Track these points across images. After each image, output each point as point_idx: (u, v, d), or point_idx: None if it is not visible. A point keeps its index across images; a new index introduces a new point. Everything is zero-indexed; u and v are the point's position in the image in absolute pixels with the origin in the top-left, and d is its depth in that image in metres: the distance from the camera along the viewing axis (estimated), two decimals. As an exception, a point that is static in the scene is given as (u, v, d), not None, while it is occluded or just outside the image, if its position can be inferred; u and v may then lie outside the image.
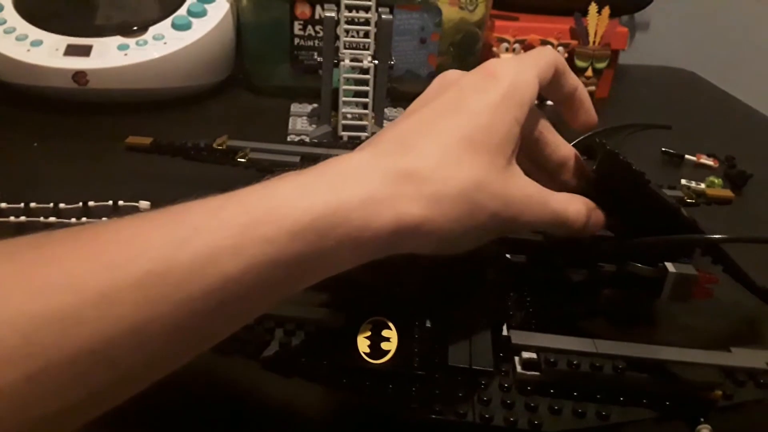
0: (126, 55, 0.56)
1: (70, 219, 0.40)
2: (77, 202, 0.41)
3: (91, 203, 0.42)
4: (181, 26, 0.58)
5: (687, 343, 0.27)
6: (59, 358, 0.17)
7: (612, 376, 0.25)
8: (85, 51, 0.56)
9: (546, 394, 0.25)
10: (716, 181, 0.52)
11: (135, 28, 0.58)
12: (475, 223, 0.24)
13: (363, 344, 0.25)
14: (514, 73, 0.26)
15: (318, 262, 0.21)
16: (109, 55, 0.55)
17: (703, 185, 0.51)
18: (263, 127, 0.57)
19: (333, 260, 0.21)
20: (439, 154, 0.23)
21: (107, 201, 0.42)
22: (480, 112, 0.25)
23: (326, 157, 0.44)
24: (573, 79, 0.30)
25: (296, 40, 0.62)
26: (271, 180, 0.22)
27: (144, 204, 0.42)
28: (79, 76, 0.55)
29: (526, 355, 0.26)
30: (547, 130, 0.29)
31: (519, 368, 0.26)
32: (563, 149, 0.30)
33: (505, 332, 0.27)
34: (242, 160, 0.43)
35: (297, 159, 0.43)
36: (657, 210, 0.32)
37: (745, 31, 0.92)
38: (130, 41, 0.57)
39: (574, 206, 0.28)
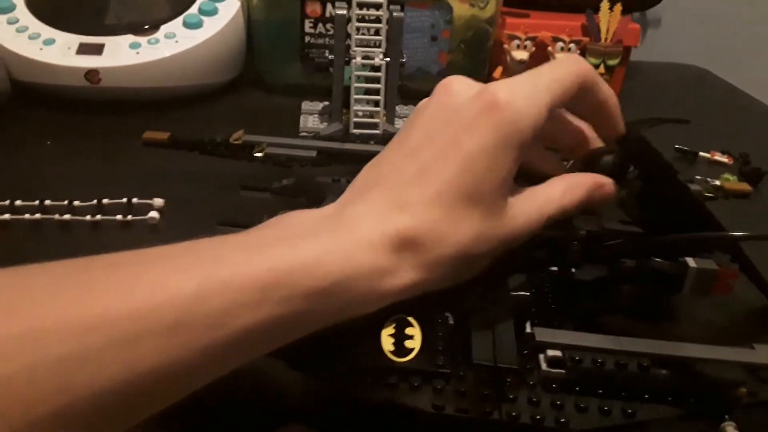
0: (138, 53, 0.56)
1: (84, 216, 0.40)
2: (92, 200, 0.42)
3: (105, 200, 0.42)
4: (192, 24, 0.58)
5: (709, 340, 0.27)
6: (85, 396, 0.18)
7: (637, 373, 0.25)
8: (98, 50, 0.56)
9: (571, 392, 0.25)
10: (731, 178, 0.52)
11: (146, 26, 0.58)
12: (469, 269, 0.25)
13: (387, 342, 0.25)
14: (519, 106, 0.24)
15: (322, 318, 0.23)
16: (121, 53, 0.56)
17: (717, 182, 0.51)
18: (274, 125, 0.57)
19: (335, 316, 0.23)
20: (436, 214, 0.24)
21: (122, 198, 0.42)
22: (476, 157, 0.24)
23: (341, 152, 0.44)
24: (603, 92, 0.28)
25: (307, 38, 0.62)
26: (289, 226, 0.24)
27: (158, 201, 0.42)
28: (91, 74, 0.55)
29: (551, 352, 0.25)
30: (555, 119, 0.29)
31: (544, 366, 0.25)
32: (578, 131, 0.30)
33: (528, 329, 0.27)
34: (259, 154, 0.43)
35: (313, 153, 0.43)
36: (680, 202, 0.32)
37: (757, 27, 0.91)
38: (142, 40, 0.57)
39: (569, 197, 0.28)
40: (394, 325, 0.25)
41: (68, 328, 0.18)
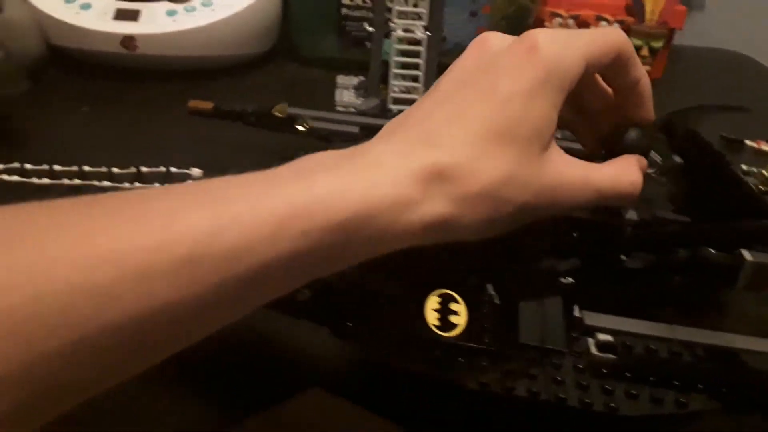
0: (174, 21, 0.55)
1: (123, 183, 0.40)
2: (130, 167, 0.41)
3: (144, 169, 0.41)
4: (229, -8, 0.58)
5: (763, 335, 0.26)
6: (94, 330, 0.17)
7: (691, 363, 0.24)
8: (134, 15, 0.55)
9: (621, 378, 0.24)
10: (777, 167, 0.50)
11: (185, -7, 0.57)
12: (500, 215, 0.24)
13: (432, 316, 0.24)
14: (558, 50, 0.24)
15: (343, 254, 0.22)
16: (158, 20, 0.55)
17: (765, 172, 0.49)
18: (309, 98, 0.57)
19: (357, 253, 0.22)
20: (467, 150, 0.23)
21: (160, 167, 0.42)
22: (512, 99, 0.23)
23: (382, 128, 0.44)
24: (637, 71, 0.27)
25: (344, 10, 0.61)
26: (308, 165, 0.23)
27: (196, 171, 0.42)
28: (127, 41, 0.54)
29: (601, 337, 0.25)
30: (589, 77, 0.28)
31: (594, 350, 0.25)
32: (606, 96, 0.29)
33: (576, 313, 0.26)
34: (302, 128, 0.42)
35: (356, 129, 0.43)
36: (733, 196, 0.31)
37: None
38: (179, 7, 0.56)
39: (627, 177, 0.26)
40: (439, 300, 0.25)
41: (76, 260, 0.17)
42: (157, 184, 0.40)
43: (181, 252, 0.18)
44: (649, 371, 0.24)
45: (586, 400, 0.23)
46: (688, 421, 0.24)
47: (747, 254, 0.29)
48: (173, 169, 0.42)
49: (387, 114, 0.51)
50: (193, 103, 0.44)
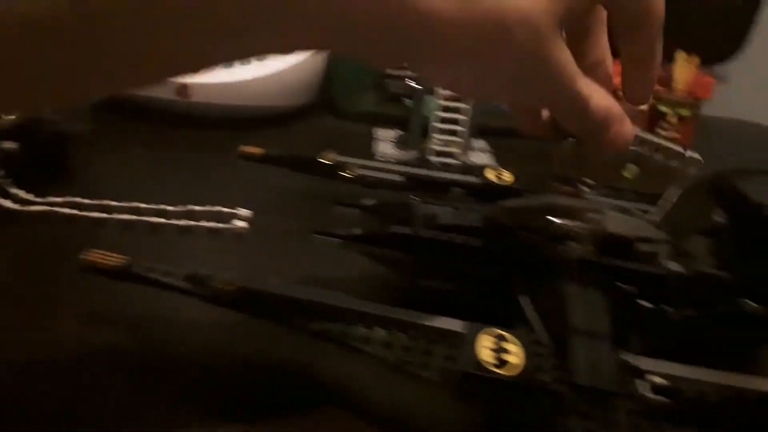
0: (228, 72, 0.58)
1: (175, 220, 0.42)
2: (185, 205, 0.43)
3: (195, 207, 0.43)
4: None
5: None
6: None
7: (745, 409, 0.24)
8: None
9: (675, 422, 0.24)
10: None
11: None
12: (495, 57, 0.21)
13: (486, 354, 0.25)
14: None
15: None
16: (215, 71, 0.58)
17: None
18: (346, 149, 0.58)
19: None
20: None
21: (212, 206, 0.43)
22: None
23: (426, 178, 0.45)
24: (656, 32, 0.24)
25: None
26: None
27: (244, 212, 0.43)
28: (182, 89, 0.57)
29: (656, 379, 0.25)
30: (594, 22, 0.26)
31: (648, 392, 0.25)
32: (602, 48, 0.27)
33: (627, 357, 0.27)
34: (349, 174, 0.44)
35: (401, 178, 0.44)
36: None
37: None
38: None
39: (597, 97, 0.24)
40: (491, 339, 0.25)
41: None
42: (204, 222, 0.42)
43: None
44: (701, 416, 0.24)
45: None
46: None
47: None
48: (222, 209, 0.43)
49: (428, 165, 0.53)
50: (245, 149, 0.46)
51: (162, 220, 0.42)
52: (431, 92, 0.53)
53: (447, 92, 0.52)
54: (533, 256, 0.32)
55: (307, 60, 0.62)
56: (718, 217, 0.32)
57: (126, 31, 0.19)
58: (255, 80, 0.59)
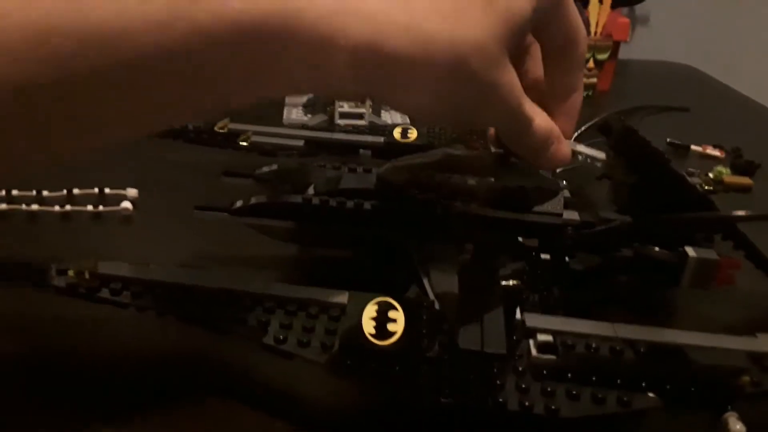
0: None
1: (53, 207, 0.38)
2: (61, 190, 0.40)
3: (76, 190, 0.40)
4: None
5: (709, 331, 0.26)
6: None
7: (633, 361, 0.23)
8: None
9: (563, 379, 0.23)
10: (724, 171, 0.51)
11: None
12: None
13: (368, 325, 0.23)
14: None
15: (241, 65, 0.21)
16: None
17: (711, 175, 0.50)
18: (258, 117, 0.56)
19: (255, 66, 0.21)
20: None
21: (93, 188, 0.40)
22: None
23: (328, 141, 0.43)
24: (574, 21, 0.26)
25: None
26: None
27: (131, 191, 0.40)
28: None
29: (541, 337, 0.24)
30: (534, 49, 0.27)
31: (534, 352, 0.24)
32: (539, 66, 0.28)
33: (518, 315, 0.25)
34: (244, 143, 0.41)
35: (300, 143, 0.42)
36: (673, 191, 0.31)
37: (743, 24, 0.91)
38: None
39: (539, 120, 0.26)
40: (376, 308, 0.24)
41: None
42: (90, 207, 0.39)
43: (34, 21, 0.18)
44: (590, 371, 0.23)
45: (527, 404, 0.22)
46: (631, 421, 0.24)
47: (690, 251, 0.29)
48: (107, 190, 0.40)
49: (334, 128, 0.50)
50: None
51: (40, 207, 0.38)
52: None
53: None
54: (425, 216, 0.30)
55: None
56: (613, 161, 0.31)
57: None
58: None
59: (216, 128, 0.44)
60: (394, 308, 0.24)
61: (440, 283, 0.27)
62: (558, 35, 0.26)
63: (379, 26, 0.21)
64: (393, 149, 0.41)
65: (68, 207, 0.38)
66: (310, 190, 0.33)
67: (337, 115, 0.50)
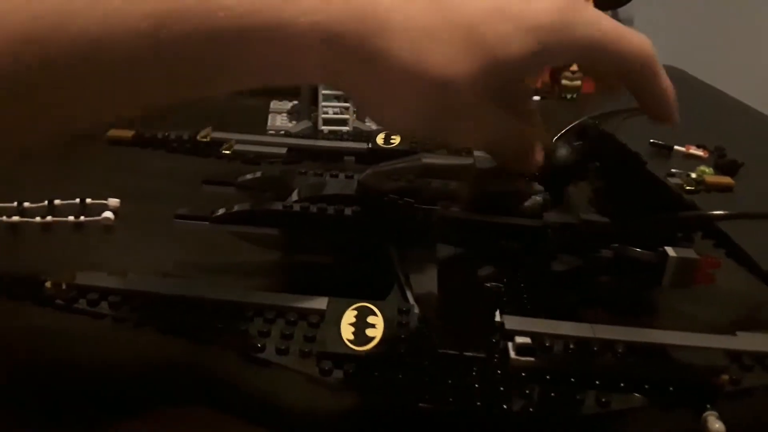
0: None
1: (34, 218, 0.38)
2: (43, 201, 0.39)
3: (57, 201, 0.39)
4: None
5: (690, 330, 0.26)
6: None
7: (612, 361, 0.23)
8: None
9: (541, 381, 0.23)
10: (707, 170, 0.51)
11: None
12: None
13: (347, 331, 0.23)
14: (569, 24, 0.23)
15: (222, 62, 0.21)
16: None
17: (694, 175, 0.50)
18: (242, 124, 0.55)
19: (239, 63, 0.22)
20: None
21: (75, 199, 0.40)
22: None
23: (311, 149, 0.43)
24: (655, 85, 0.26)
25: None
26: None
27: (113, 201, 0.40)
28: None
29: (519, 339, 0.24)
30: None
31: (513, 354, 0.24)
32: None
33: (497, 318, 0.25)
34: (227, 152, 0.41)
35: (283, 151, 0.41)
36: (652, 193, 0.31)
37: (727, 25, 0.92)
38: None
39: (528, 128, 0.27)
40: (355, 314, 0.24)
41: None
42: (71, 218, 0.38)
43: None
44: (568, 372, 0.23)
45: (505, 406, 0.22)
46: (611, 421, 0.24)
47: (670, 250, 0.29)
48: (89, 201, 0.40)
49: (318, 135, 0.50)
50: (113, 133, 0.43)
51: (21, 218, 0.38)
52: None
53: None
54: (405, 220, 0.30)
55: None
56: (591, 163, 0.31)
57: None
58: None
59: (198, 137, 0.43)
60: (373, 313, 0.24)
61: (420, 287, 0.27)
62: (612, 71, 0.25)
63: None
64: (377, 155, 0.40)
65: (49, 218, 0.38)
66: (294, 196, 0.33)
67: (320, 122, 0.50)
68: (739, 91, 0.74)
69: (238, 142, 0.42)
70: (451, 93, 0.22)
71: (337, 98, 0.51)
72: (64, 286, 0.25)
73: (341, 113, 0.51)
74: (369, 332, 0.24)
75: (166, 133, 0.43)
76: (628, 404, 0.23)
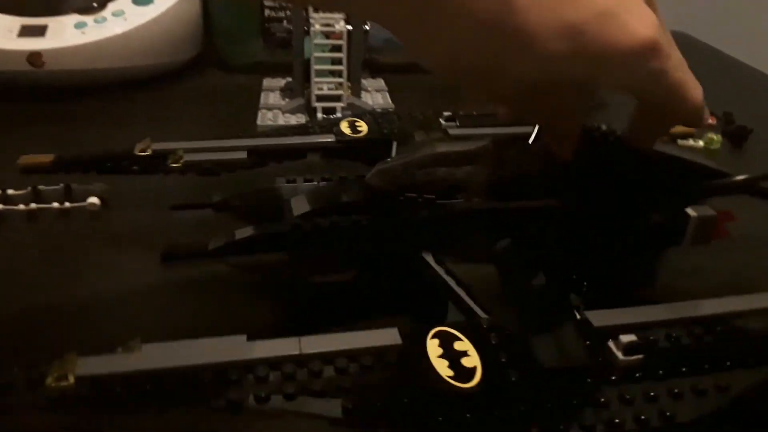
0: (84, 33, 0.52)
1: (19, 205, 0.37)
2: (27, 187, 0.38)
3: (41, 186, 0.38)
4: (142, 1, 0.55)
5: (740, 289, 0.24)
6: None
7: (715, 340, 0.22)
8: (40, 31, 0.52)
9: (657, 378, 0.21)
10: (715, 138, 0.49)
11: (94, 4, 0.55)
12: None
13: (441, 365, 0.19)
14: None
15: None
16: (66, 34, 0.52)
17: (701, 143, 0.49)
18: (235, 104, 0.54)
19: None
20: None
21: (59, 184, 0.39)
22: None
23: (275, 148, 0.35)
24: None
25: (267, 12, 0.59)
26: None
27: (99, 185, 0.39)
28: (34, 57, 0.51)
29: (625, 338, 0.21)
30: None
31: (620, 355, 0.21)
32: None
33: (577, 315, 0.22)
34: (176, 165, 0.33)
35: (244, 154, 0.34)
36: (677, 170, 0.30)
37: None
38: (88, 19, 0.53)
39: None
40: (438, 343, 0.19)
41: None
42: (56, 204, 0.37)
43: None
44: (677, 362, 0.21)
45: (642, 417, 0.19)
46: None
47: (691, 211, 0.29)
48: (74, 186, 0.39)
49: (312, 112, 0.49)
50: (26, 159, 0.33)
51: (4, 206, 0.37)
52: (308, 32, 0.49)
53: (322, 28, 0.48)
54: (434, 221, 0.27)
55: (177, 10, 0.56)
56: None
57: None
58: (116, 38, 0.53)
59: (137, 152, 0.34)
60: (458, 338, 0.20)
61: (484, 294, 0.24)
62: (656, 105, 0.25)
63: None
64: (349, 148, 0.35)
65: (33, 205, 0.37)
66: (297, 209, 0.28)
67: (314, 98, 0.49)
68: (747, 55, 0.71)
69: (187, 151, 0.34)
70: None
71: (332, 74, 0.50)
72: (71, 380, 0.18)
73: (335, 89, 0.49)
74: (465, 362, 0.19)
75: (94, 152, 0.34)
76: (744, 382, 0.21)
